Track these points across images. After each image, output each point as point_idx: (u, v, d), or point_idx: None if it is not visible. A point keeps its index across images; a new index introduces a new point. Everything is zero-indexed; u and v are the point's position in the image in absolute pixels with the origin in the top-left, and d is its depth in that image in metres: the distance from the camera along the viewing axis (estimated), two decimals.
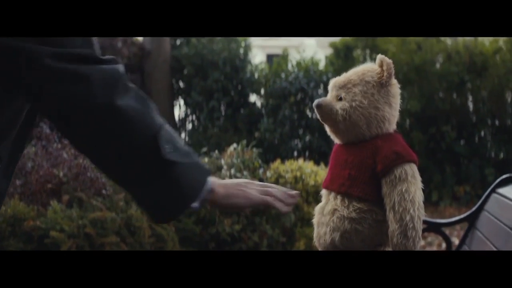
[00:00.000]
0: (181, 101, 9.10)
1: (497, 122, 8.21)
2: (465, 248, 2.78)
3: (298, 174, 5.12)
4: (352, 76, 1.72)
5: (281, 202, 1.44)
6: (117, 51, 8.10)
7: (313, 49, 13.61)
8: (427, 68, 7.98)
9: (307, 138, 8.21)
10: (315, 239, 1.73)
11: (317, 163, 6.28)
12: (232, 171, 4.81)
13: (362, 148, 1.67)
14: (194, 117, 8.96)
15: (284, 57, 8.87)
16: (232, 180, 1.43)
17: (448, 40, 8.48)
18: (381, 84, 1.68)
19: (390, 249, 1.62)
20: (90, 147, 1.27)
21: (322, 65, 8.71)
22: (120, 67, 1.25)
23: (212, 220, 4.68)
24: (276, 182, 5.10)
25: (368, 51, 8.42)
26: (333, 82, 1.76)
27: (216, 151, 5.26)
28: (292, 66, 8.64)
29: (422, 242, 2.05)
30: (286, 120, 8.25)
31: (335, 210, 1.67)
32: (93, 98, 1.18)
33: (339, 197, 1.68)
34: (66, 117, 1.21)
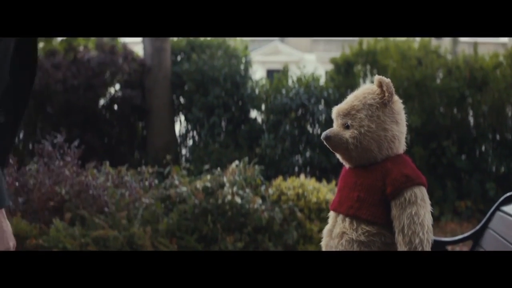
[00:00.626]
0: (182, 117, 9.10)
1: (497, 137, 8.21)
2: None
3: (300, 191, 5.11)
4: (354, 101, 1.72)
5: None
6: (118, 67, 8.13)
7: (313, 64, 13.65)
8: (428, 83, 7.99)
9: (308, 153, 8.20)
10: None
11: (318, 179, 6.27)
12: (235, 188, 4.80)
13: (372, 171, 1.67)
14: (195, 133, 8.95)
15: (284, 72, 8.89)
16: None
17: (449, 55, 8.50)
18: (384, 104, 1.68)
19: None
20: None
21: (322, 80, 8.73)
22: None
23: (214, 238, 4.66)
24: (278, 199, 5.10)
25: (368, 67, 8.44)
26: (336, 111, 1.76)
27: (219, 169, 5.25)
28: (293, 82, 8.65)
29: None
30: (287, 136, 8.25)
31: (343, 233, 1.66)
32: None
33: (347, 219, 1.68)
34: None
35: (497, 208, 2.74)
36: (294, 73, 8.87)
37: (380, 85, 1.68)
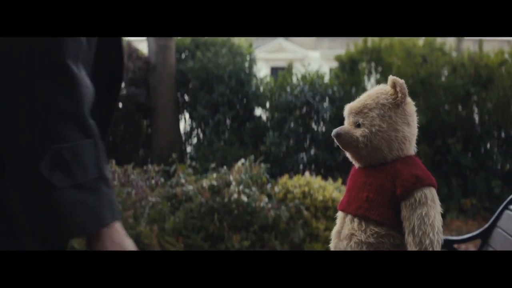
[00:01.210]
0: (187, 115, 9.09)
1: (503, 134, 8.19)
2: None
3: (306, 189, 5.11)
4: (367, 100, 1.72)
5: None
6: None
7: (318, 62, 13.63)
8: (433, 81, 7.98)
9: (313, 151, 8.20)
10: None
11: (323, 176, 6.27)
12: (241, 187, 4.81)
13: (382, 171, 1.66)
14: (199, 131, 8.95)
15: (289, 70, 8.87)
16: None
17: (453, 53, 8.48)
18: (397, 105, 1.68)
19: None
20: None
21: (327, 78, 8.71)
22: None
23: (220, 236, 4.67)
24: (285, 197, 5.10)
25: (373, 64, 8.42)
26: (349, 108, 1.76)
27: (225, 167, 5.25)
28: (297, 79, 8.64)
29: None
30: (292, 133, 8.25)
31: (352, 235, 1.66)
32: None
33: (356, 220, 1.67)
34: None
35: (506, 207, 2.74)
36: (298, 71, 8.86)
37: (394, 85, 1.69)
